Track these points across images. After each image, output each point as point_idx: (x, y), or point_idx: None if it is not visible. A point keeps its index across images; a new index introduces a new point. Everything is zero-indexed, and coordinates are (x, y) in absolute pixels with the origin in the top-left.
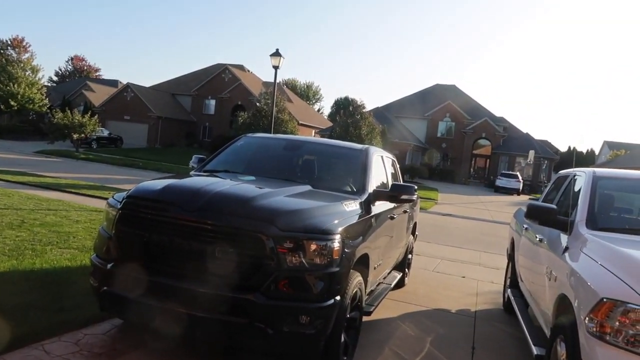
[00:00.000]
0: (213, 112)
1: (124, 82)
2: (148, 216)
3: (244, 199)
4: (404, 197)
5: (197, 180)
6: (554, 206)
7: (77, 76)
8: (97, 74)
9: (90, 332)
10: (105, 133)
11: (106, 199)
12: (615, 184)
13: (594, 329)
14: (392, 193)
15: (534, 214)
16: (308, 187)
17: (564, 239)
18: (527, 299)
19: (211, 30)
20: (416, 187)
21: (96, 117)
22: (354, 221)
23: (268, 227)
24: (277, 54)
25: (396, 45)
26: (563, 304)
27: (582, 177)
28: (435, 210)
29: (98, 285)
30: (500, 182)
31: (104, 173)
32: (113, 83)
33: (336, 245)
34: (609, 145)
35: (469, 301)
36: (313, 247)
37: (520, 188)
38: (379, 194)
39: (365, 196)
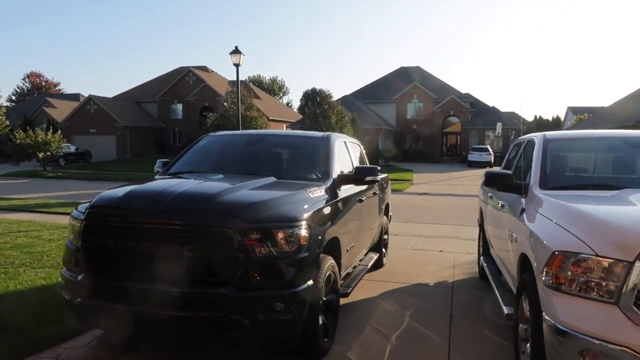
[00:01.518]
0: (181, 116)
1: (86, 94)
2: (113, 224)
3: (207, 196)
4: (368, 178)
5: (160, 183)
6: (508, 172)
7: (36, 93)
8: (57, 88)
9: (71, 346)
10: (72, 149)
11: None
12: (565, 144)
13: (550, 281)
14: (356, 176)
15: (491, 181)
16: (272, 179)
17: (521, 201)
18: (498, 264)
19: (170, 34)
20: (379, 167)
21: (58, 133)
22: (320, 207)
23: (233, 220)
24: (236, 51)
25: (358, 31)
26: (524, 262)
27: (534, 140)
28: (411, 191)
29: (71, 297)
30: (472, 156)
31: (75, 189)
32: (74, 97)
33: (303, 231)
34: (572, 110)
35: (446, 273)
36: (280, 235)
37: (492, 160)
38: (343, 179)
39: (329, 182)
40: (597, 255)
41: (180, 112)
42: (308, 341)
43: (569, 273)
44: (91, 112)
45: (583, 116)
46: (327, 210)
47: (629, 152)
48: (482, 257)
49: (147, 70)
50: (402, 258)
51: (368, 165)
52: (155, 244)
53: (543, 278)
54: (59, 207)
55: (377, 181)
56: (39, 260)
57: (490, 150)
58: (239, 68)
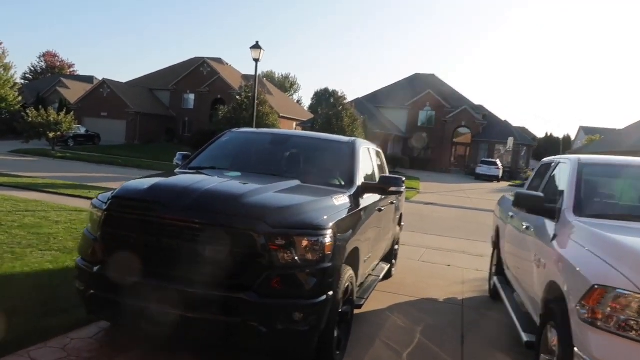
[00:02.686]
0: (192, 106)
1: (100, 78)
2: (135, 217)
3: (233, 196)
4: (392, 189)
5: (184, 179)
6: (541, 194)
7: (50, 73)
8: (71, 70)
9: (78, 337)
10: (82, 130)
11: (86, 198)
12: (600, 170)
13: (586, 315)
14: (380, 185)
15: (522, 202)
16: (297, 182)
17: (551, 226)
18: (514, 286)
19: (187, 23)
20: (404, 179)
21: (72, 114)
22: (344, 215)
23: (259, 224)
24: (257, 46)
25: (375, 35)
26: (553, 290)
27: (566, 164)
28: (417, 200)
29: (85, 288)
30: (481, 169)
31: (83, 171)
32: (88, 79)
33: (328, 240)
34: (584, 130)
35: (455, 289)
36: (305, 243)
37: (500, 175)
38: (367, 187)
39: (354, 189)
40: (639, 293)
41: (192, 102)
42: (322, 354)
43: (608, 309)
44: (104, 96)
45: (595, 137)
46: (350, 219)
47: None
48: (495, 277)
49: (161, 59)
50: (410, 270)
51: (388, 174)
52: (177, 242)
53: (578, 311)
54: (67, 188)
55: (400, 192)
56: (46, 242)
57: (499, 165)
58: (258, 63)
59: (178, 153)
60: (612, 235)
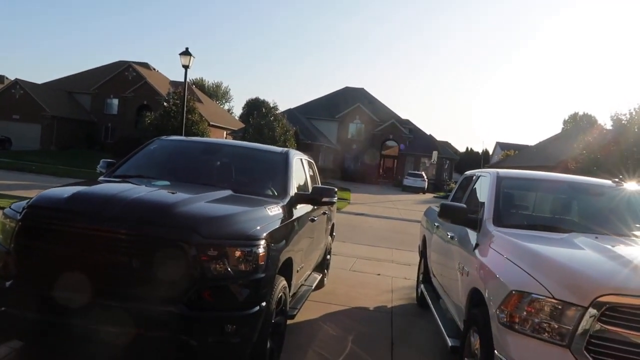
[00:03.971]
0: (116, 112)
1: (12, 78)
2: (54, 227)
3: (163, 205)
4: (325, 199)
5: (109, 187)
6: (464, 206)
7: None
8: None
9: None
10: None
11: None
12: (516, 183)
13: (505, 319)
14: (313, 196)
15: (446, 213)
16: (229, 192)
17: (473, 236)
18: (440, 293)
19: (111, 25)
20: (336, 189)
21: None
22: (278, 225)
23: (189, 234)
24: (187, 52)
25: (306, 47)
26: (475, 296)
27: (487, 177)
28: (348, 210)
29: None
30: (408, 181)
31: None
32: None
33: (261, 251)
34: (500, 146)
35: (385, 298)
36: (238, 253)
37: (426, 187)
38: (300, 197)
39: (287, 200)
40: (552, 298)
41: (115, 108)
42: None
43: (524, 313)
44: (16, 97)
45: (510, 152)
46: (284, 229)
47: (574, 197)
48: (422, 285)
49: (83, 61)
50: (342, 279)
51: (320, 184)
52: (101, 253)
53: (498, 315)
54: None
55: (333, 203)
56: None
57: (425, 177)
58: (188, 70)
59: (102, 160)
60: (528, 244)
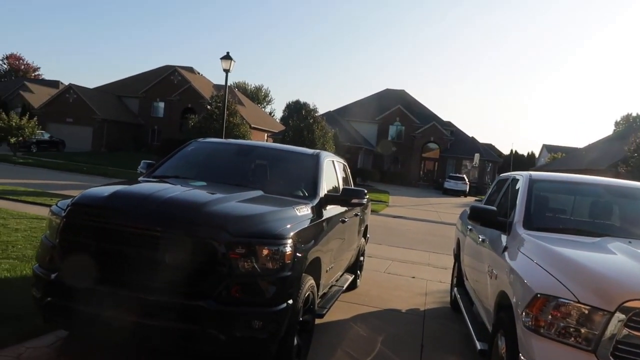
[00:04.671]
0: (162, 115)
1: (66, 83)
2: (94, 224)
3: (195, 204)
4: (354, 200)
5: (147, 187)
6: (494, 208)
7: (13, 76)
8: (36, 73)
9: (33, 345)
10: (46, 136)
11: (47, 205)
12: (549, 186)
13: (530, 323)
14: (343, 197)
15: (475, 215)
16: (259, 192)
17: (503, 238)
18: (472, 296)
19: (159, 31)
20: (366, 191)
21: (35, 119)
22: (306, 225)
23: (220, 232)
24: (227, 57)
25: (347, 49)
26: (503, 300)
27: (519, 180)
28: (386, 213)
29: (41, 296)
30: (448, 184)
31: (45, 178)
32: (53, 84)
33: (288, 249)
34: (547, 148)
35: (418, 301)
36: (265, 252)
37: (467, 190)
38: (330, 198)
39: (316, 200)
40: (578, 302)
41: (161, 111)
42: None
43: (549, 317)
44: (70, 101)
45: (557, 155)
46: (312, 229)
47: (610, 200)
48: (455, 288)
49: (130, 66)
50: (375, 281)
51: (352, 186)
52: (137, 249)
53: (523, 319)
54: (28, 195)
55: (363, 204)
56: (3, 251)
57: (466, 180)
58: (228, 74)
59: (142, 161)
60: (557, 248)
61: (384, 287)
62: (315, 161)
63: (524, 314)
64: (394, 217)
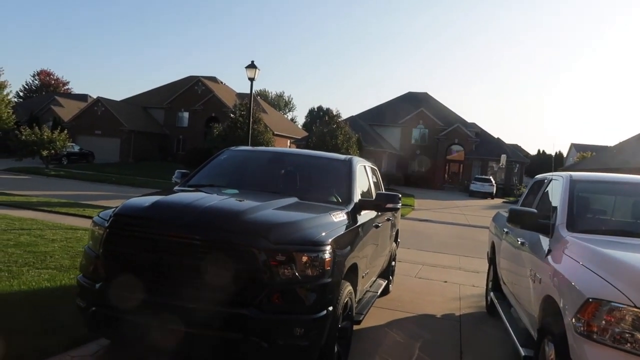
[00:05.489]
0: (187, 124)
1: (94, 96)
2: (137, 234)
3: (235, 213)
4: (389, 205)
5: (185, 196)
6: (534, 210)
7: (44, 91)
8: (66, 87)
9: (78, 354)
10: (76, 148)
11: (81, 216)
12: (591, 187)
13: (582, 329)
14: (377, 202)
15: (515, 218)
16: (295, 199)
17: (545, 241)
18: (511, 301)
19: (182, 42)
20: (400, 196)
21: (66, 132)
22: (343, 232)
23: (260, 240)
24: (252, 65)
25: (368, 54)
26: (549, 305)
27: (559, 181)
28: (412, 217)
29: (86, 305)
30: (475, 186)
31: (77, 189)
32: (82, 97)
33: (327, 256)
34: (576, 147)
35: (452, 305)
36: (305, 259)
37: (494, 192)
38: (364, 204)
39: (351, 206)
40: (634, 307)
41: (186, 121)
42: None
43: (603, 322)
44: (98, 114)
45: (586, 154)
46: (349, 235)
47: None
48: (492, 293)
49: (156, 77)
50: (407, 286)
51: (384, 190)
52: (179, 258)
53: (574, 324)
54: (61, 206)
55: (397, 209)
56: (42, 261)
57: (493, 181)
58: (253, 82)
59: (177, 171)
60: (605, 250)
61: (417, 292)
62: (348, 166)
63: (574, 319)
64: (421, 220)
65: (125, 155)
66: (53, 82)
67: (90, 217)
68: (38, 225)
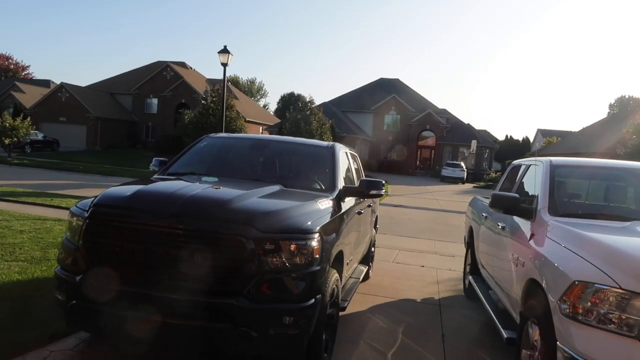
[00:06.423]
0: (156, 111)
1: (57, 82)
2: (118, 224)
3: (220, 201)
4: (372, 192)
5: (167, 185)
6: (517, 195)
7: (3, 76)
8: (26, 73)
9: (57, 349)
10: (40, 136)
11: (49, 206)
12: (571, 171)
13: (568, 310)
14: (361, 189)
15: (498, 203)
16: (279, 187)
17: (527, 225)
18: (490, 284)
19: (148, 27)
20: (384, 182)
21: (28, 119)
22: (329, 219)
23: (247, 229)
24: (225, 50)
25: (339, 39)
26: (532, 287)
27: (539, 166)
28: (386, 202)
29: (66, 299)
30: (446, 171)
31: (42, 179)
32: (45, 83)
33: (315, 244)
34: (542, 133)
35: (431, 289)
36: (293, 247)
37: (465, 177)
38: (348, 190)
39: (335, 193)
40: (619, 288)
41: (155, 107)
42: (311, 357)
43: (589, 303)
44: (62, 100)
45: (552, 139)
46: (335, 222)
47: (634, 184)
48: (469, 276)
49: (123, 62)
50: (386, 271)
51: (364, 177)
52: (164, 249)
53: (560, 307)
54: (28, 196)
55: (381, 195)
56: (11, 253)
57: (464, 167)
58: (226, 68)
59: (154, 159)
60: (588, 233)
61: (395, 277)
62: (331, 153)
63: (560, 301)
64: (395, 206)
65: (92, 143)
66: (12, 66)
67: (59, 207)
68: (4, 215)
